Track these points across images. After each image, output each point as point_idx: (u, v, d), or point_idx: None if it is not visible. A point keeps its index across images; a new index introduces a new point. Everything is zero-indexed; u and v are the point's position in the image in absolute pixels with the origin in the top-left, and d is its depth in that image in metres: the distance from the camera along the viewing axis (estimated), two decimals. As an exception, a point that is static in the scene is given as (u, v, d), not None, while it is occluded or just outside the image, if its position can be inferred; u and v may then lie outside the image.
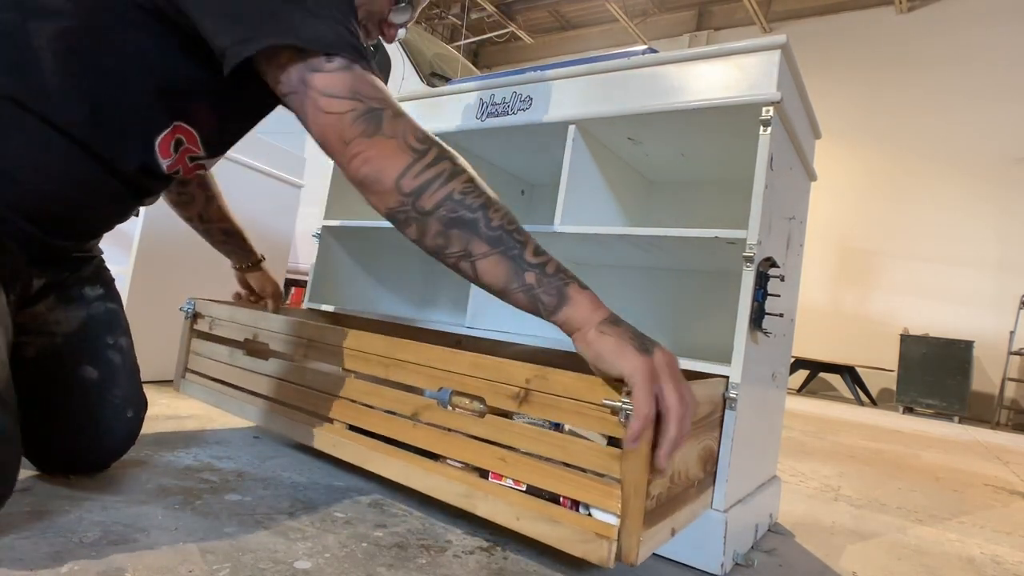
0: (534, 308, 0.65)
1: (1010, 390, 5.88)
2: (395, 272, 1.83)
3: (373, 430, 0.87)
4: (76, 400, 0.86)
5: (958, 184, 6.60)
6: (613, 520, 0.62)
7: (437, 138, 0.69)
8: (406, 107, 1.51)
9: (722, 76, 1.03)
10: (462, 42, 9.96)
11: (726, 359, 0.93)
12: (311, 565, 0.72)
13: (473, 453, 0.75)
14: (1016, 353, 5.60)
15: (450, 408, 0.79)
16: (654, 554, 0.93)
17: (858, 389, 6.10)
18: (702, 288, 1.42)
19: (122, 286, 2.27)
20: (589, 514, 0.67)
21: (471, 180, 0.67)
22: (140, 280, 1.70)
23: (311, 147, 3.46)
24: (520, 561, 0.83)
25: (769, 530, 1.17)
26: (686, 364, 0.97)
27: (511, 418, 0.74)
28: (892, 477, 1.98)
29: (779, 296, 1.04)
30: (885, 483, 1.85)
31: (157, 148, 0.80)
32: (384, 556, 0.78)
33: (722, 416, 0.89)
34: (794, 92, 1.09)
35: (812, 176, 1.31)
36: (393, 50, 3.22)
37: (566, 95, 1.22)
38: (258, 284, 1.35)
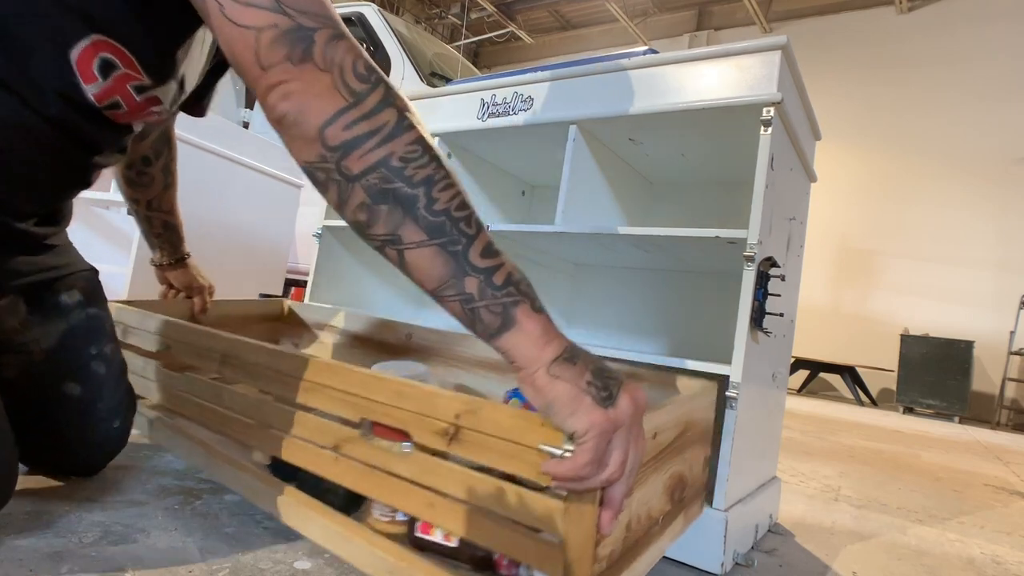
0: (471, 325, 0.51)
1: (1010, 390, 5.88)
2: (395, 272, 1.82)
3: (293, 462, 0.74)
4: (60, 418, 0.82)
5: (958, 184, 6.60)
6: None
7: (384, 75, 0.54)
8: (406, 107, 1.51)
9: (722, 76, 1.03)
10: (462, 42, 9.96)
11: (726, 359, 0.93)
12: (311, 565, 0.72)
13: (400, 495, 0.63)
14: (1016, 353, 5.60)
15: (373, 440, 0.66)
16: (654, 554, 0.93)
17: (858, 389, 6.10)
18: (702, 288, 1.42)
19: (122, 286, 2.27)
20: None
21: (418, 141, 0.51)
22: (140, 280, 1.70)
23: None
24: (520, 561, 0.83)
25: (769, 530, 1.17)
26: (686, 364, 0.97)
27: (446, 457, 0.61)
28: (892, 477, 1.98)
29: (779, 296, 1.04)
30: (885, 483, 1.85)
31: (75, 64, 0.64)
32: (384, 556, 0.77)
33: (707, 431, 0.82)
34: (794, 93, 1.09)
35: (812, 177, 1.31)
36: (393, 50, 3.22)
37: (567, 95, 1.22)
38: (183, 281, 1.22)
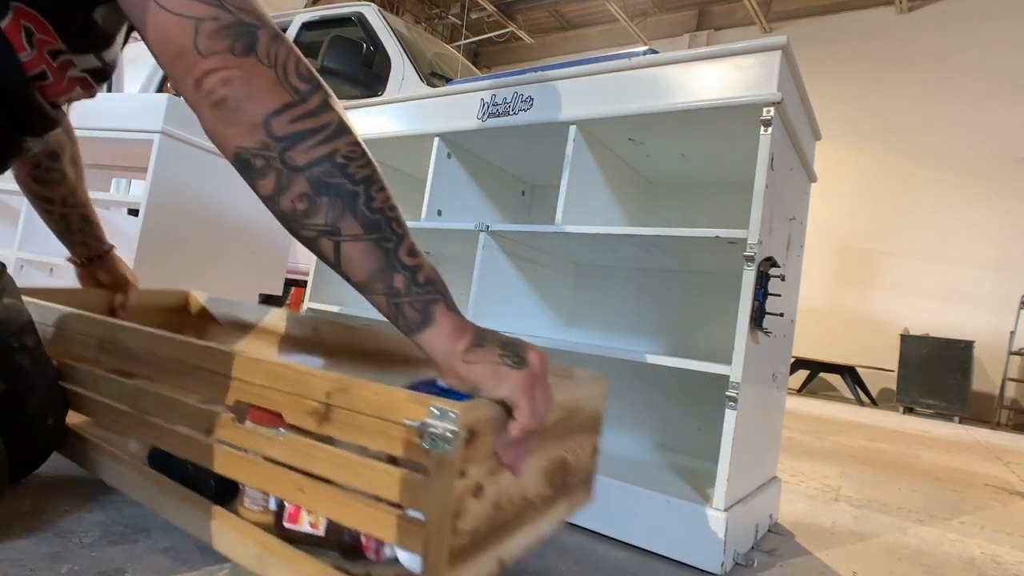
0: (393, 319, 0.55)
1: (1010, 390, 5.88)
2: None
3: (168, 449, 0.72)
4: None
5: (958, 184, 6.60)
6: (417, 566, 0.52)
7: (323, 81, 0.57)
8: (406, 107, 1.51)
9: (723, 77, 1.03)
10: (462, 42, 9.96)
11: (726, 359, 0.93)
12: (311, 565, 0.72)
13: (271, 480, 0.63)
14: (1016, 353, 5.60)
15: (247, 425, 0.65)
16: (653, 553, 0.93)
17: (858, 389, 6.11)
18: (702, 288, 1.42)
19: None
20: (396, 558, 0.60)
21: (358, 143, 0.55)
22: (140, 279, 1.70)
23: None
24: (520, 562, 0.83)
25: (769, 530, 1.17)
26: (686, 364, 0.97)
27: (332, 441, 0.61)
28: (892, 477, 1.98)
29: (779, 296, 1.04)
30: (885, 483, 1.85)
31: (8, 36, 0.64)
32: (384, 556, 0.77)
33: (589, 421, 0.82)
34: (794, 93, 1.09)
35: (812, 177, 1.31)
36: (393, 50, 3.22)
37: (567, 96, 1.22)
38: (112, 276, 1.17)
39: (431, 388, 0.61)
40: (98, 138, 1.81)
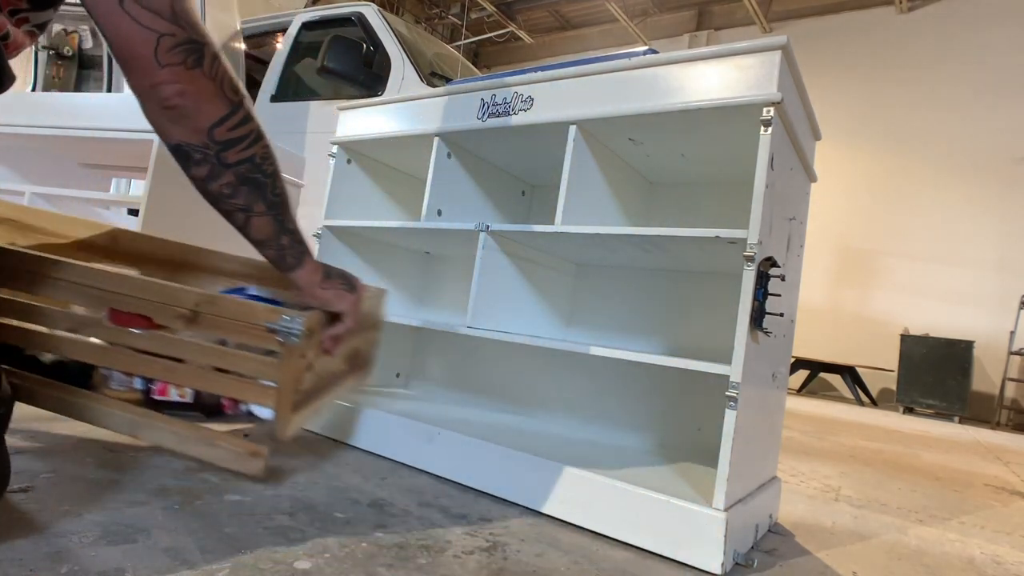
0: (279, 263, 0.79)
1: (1010, 390, 5.88)
2: (395, 272, 1.83)
3: (43, 350, 0.92)
4: None
5: (958, 184, 6.60)
6: (269, 413, 0.82)
7: (244, 90, 0.71)
8: (406, 107, 1.51)
9: (722, 76, 1.03)
10: (462, 42, 9.97)
11: (726, 359, 0.93)
12: (311, 565, 0.72)
13: (144, 366, 0.85)
14: (1016, 353, 5.60)
15: (113, 326, 0.85)
16: (653, 553, 0.93)
17: (858, 389, 6.11)
18: (702, 288, 1.42)
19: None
20: (250, 412, 0.86)
21: (268, 147, 0.73)
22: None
23: (311, 147, 3.46)
24: (520, 562, 0.83)
25: (769, 530, 1.17)
26: (686, 364, 0.97)
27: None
28: (892, 477, 1.98)
29: (779, 296, 1.04)
30: (885, 483, 1.85)
31: None
32: (384, 556, 0.78)
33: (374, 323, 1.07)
34: (794, 93, 1.09)
35: (812, 177, 1.31)
36: (393, 50, 3.22)
37: (567, 96, 1.22)
38: None
39: (241, 292, 0.92)
40: (98, 138, 1.81)
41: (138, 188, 3.72)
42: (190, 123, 0.65)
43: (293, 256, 0.79)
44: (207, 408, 1.00)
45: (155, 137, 1.71)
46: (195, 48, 0.63)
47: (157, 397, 0.85)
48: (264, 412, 0.81)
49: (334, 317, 0.83)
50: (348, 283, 0.84)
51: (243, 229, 0.75)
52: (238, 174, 0.69)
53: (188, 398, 0.87)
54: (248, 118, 0.68)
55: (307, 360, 0.80)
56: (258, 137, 0.70)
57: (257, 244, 0.77)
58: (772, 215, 1.01)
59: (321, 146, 3.24)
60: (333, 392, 0.95)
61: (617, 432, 1.47)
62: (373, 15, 3.42)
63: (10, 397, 0.82)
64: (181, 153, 0.68)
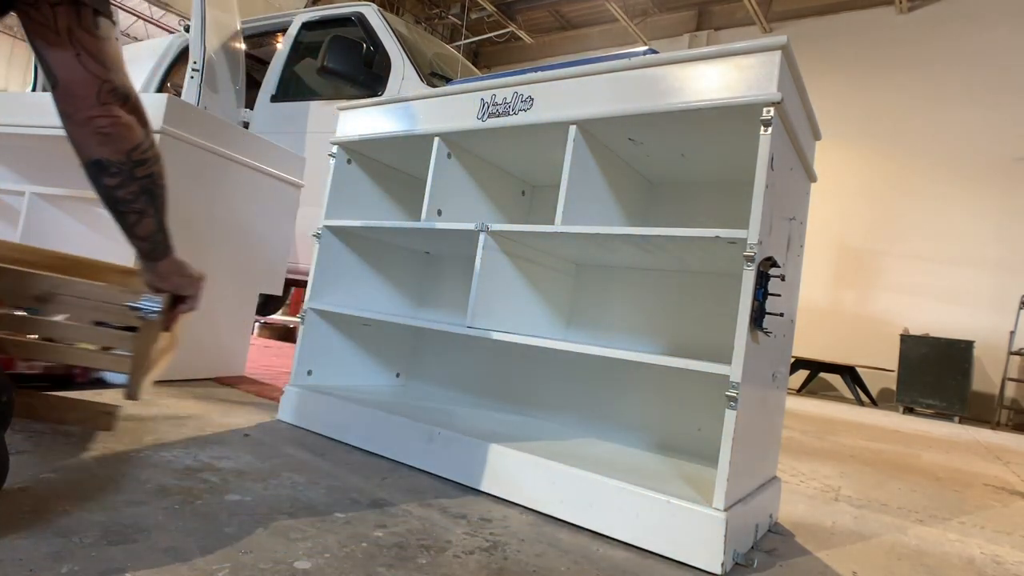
0: (150, 254, 0.93)
1: (1010, 390, 5.88)
2: (395, 272, 1.83)
3: None
4: None
5: (958, 184, 6.60)
6: (123, 379, 0.93)
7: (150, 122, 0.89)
8: (406, 107, 1.51)
9: (722, 77, 1.03)
10: (462, 42, 9.97)
11: (726, 359, 0.93)
12: (311, 565, 0.72)
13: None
14: (1016, 353, 5.60)
15: None
16: (653, 553, 0.93)
17: (858, 389, 6.11)
18: (702, 288, 1.42)
19: (122, 286, 2.26)
20: (100, 379, 0.96)
21: (162, 166, 0.91)
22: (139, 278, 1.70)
23: (311, 147, 3.45)
24: (520, 562, 0.83)
25: (769, 530, 1.17)
26: (686, 364, 0.97)
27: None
28: (892, 477, 1.98)
29: (779, 296, 1.04)
30: (885, 483, 1.85)
31: None
32: (384, 556, 0.78)
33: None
34: (794, 93, 1.09)
35: (812, 177, 1.31)
36: (393, 50, 3.22)
37: (567, 95, 1.22)
38: None
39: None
40: (98, 138, 1.80)
41: (138, 188, 3.72)
42: (115, 146, 0.82)
43: (162, 250, 0.94)
44: (55, 378, 1.13)
45: (155, 137, 1.71)
46: (127, 92, 0.82)
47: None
48: (119, 378, 0.88)
49: (178, 300, 0.99)
50: (188, 273, 0.99)
51: (132, 227, 0.90)
52: (143, 185, 0.87)
53: (37, 369, 0.96)
54: (152, 144, 0.88)
55: (158, 334, 0.96)
56: (157, 158, 0.89)
57: (138, 239, 0.91)
58: (772, 215, 1.01)
59: (321, 146, 3.24)
60: (162, 362, 1.09)
61: (617, 432, 1.47)
62: (373, 15, 3.42)
63: (9, 386, 0.92)
64: (99, 166, 0.83)
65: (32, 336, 0.98)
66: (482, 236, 1.27)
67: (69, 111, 0.79)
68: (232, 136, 1.92)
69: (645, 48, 1.21)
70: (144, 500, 0.84)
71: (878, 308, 6.83)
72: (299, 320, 1.59)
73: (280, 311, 6.76)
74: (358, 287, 1.71)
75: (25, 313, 0.99)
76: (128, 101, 0.83)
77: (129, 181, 0.85)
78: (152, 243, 0.93)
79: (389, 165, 1.78)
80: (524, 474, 1.10)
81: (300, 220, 3.22)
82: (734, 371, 0.92)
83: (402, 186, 1.84)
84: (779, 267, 1.03)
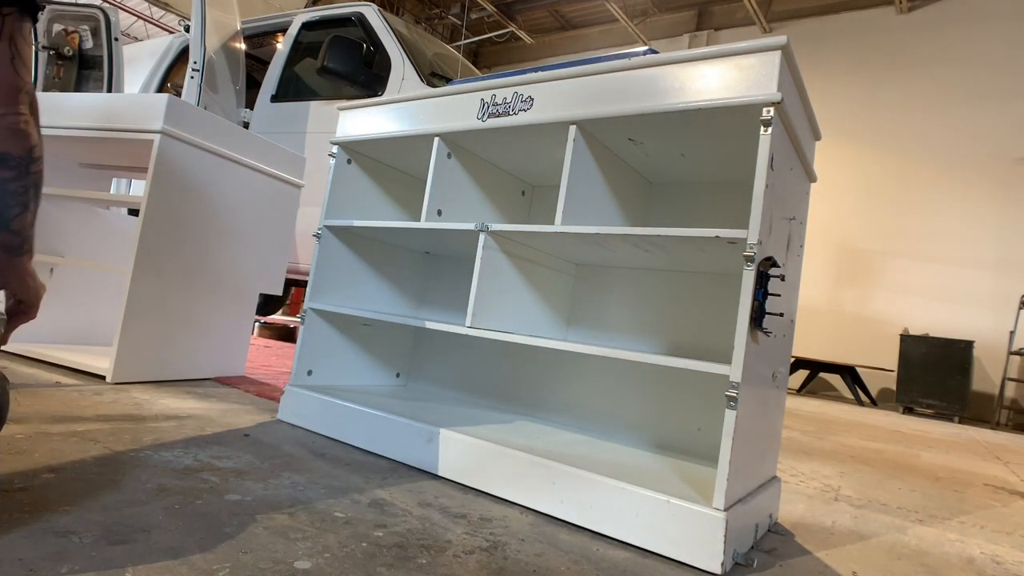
0: (16, 249, 0.94)
1: (1010, 390, 5.88)
2: (395, 272, 1.83)
3: None
4: None
5: (958, 184, 6.60)
6: None
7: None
8: (406, 107, 1.51)
9: (722, 77, 1.03)
10: (462, 42, 9.97)
11: (726, 359, 0.93)
12: (311, 565, 0.72)
13: None
14: (1016, 353, 5.60)
15: None
16: (653, 553, 0.93)
17: (858, 389, 6.11)
18: (702, 288, 1.42)
19: (122, 287, 2.26)
20: None
21: (43, 165, 0.95)
22: (140, 280, 1.70)
23: (311, 147, 3.45)
24: (520, 562, 0.83)
25: (769, 530, 1.17)
26: (686, 364, 0.97)
27: None
28: (892, 477, 1.98)
29: (779, 296, 1.04)
30: (885, 483, 1.85)
31: None
32: (384, 556, 0.78)
33: None
34: (794, 93, 1.09)
35: (812, 177, 1.31)
36: (393, 50, 3.22)
37: (567, 96, 1.22)
38: None
39: None
40: (98, 138, 1.81)
41: (138, 188, 3.72)
42: (22, 143, 0.88)
43: (27, 246, 0.97)
44: None
45: (155, 137, 1.71)
46: (33, 95, 0.90)
47: None
48: None
49: (16, 306, 1.00)
50: (39, 282, 1.00)
51: (12, 219, 0.93)
52: (32, 180, 0.92)
53: None
54: (41, 143, 0.93)
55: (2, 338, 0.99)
56: (42, 158, 0.94)
57: (11, 232, 0.94)
58: (772, 215, 1.01)
59: (321, 146, 3.24)
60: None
61: (617, 432, 1.47)
62: (373, 15, 3.42)
63: (4, 383, 0.93)
64: (2, 159, 0.88)
65: None
66: (482, 236, 1.27)
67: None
68: (232, 136, 1.92)
69: (645, 48, 1.21)
70: (144, 500, 0.84)
71: (878, 308, 6.83)
72: (299, 320, 1.59)
73: (280, 311, 6.76)
74: (358, 287, 1.71)
75: None
76: (34, 104, 0.91)
77: (24, 175, 0.91)
78: (22, 238, 0.96)
79: (389, 165, 1.78)
80: (524, 474, 1.10)
81: (300, 220, 3.23)
82: (734, 371, 0.92)
83: (402, 186, 1.84)
84: (779, 267, 1.03)
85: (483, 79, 1.40)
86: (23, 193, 0.92)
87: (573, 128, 1.20)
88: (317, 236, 1.60)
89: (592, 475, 1.03)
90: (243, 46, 3.49)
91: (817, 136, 1.30)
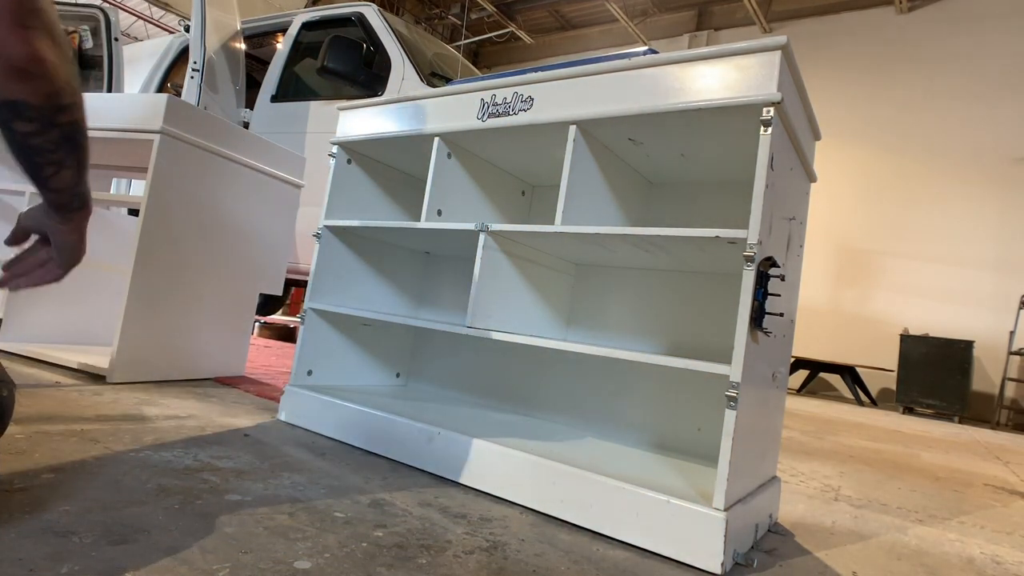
0: (65, 207, 0.84)
1: (1010, 390, 5.88)
2: (395, 272, 1.83)
3: None
4: None
5: (958, 184, 6.60)
6: None
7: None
8: (406, 107, 1.52)
9: (723, 77, 1.03)
10: (462, 42, 9.97)
11: (726, 359, 0.93)
12: (311, 565, 0.72)
13: None
14: (1016, 353, 5.60)
15: None
16: (653, 553, 0.93)
17: (858, 389, 6.11)
18: (702, 288, 1.42)
19: (122, 287, 2.26)
20: None
21: (85, 113, 0.79)
22: (140, 280, 1.70)
23: (311, 147, 3.45)
24: (520, 562, 0.83)
25: (769, 530, 1.17)
26: (686, 364, 0.97)
27: None
28: (892, 477, 1.98)
29: (779, 296, 1.04)
30: (885, 483, 1.85)
31: None
32: (384, 556, 0.78)
33: None
34: (794, 93, 1.09)
35: (812, 177, 1.31)
36: (393, 50, 3.22)
37: (567, 95, 1.22)
38: None
39: None
40: (98, 138, 1.80)
41: (138, 188, 3.72)
42: (34, 85, 0.68)
43: (79, 201, 0.85)
44: None
45: (155, 137, 1.71)
46: (49, 18, 0.69)
47: None
48: None
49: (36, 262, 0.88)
50: (84, 245, 0.90)
51: (48, 179, 0.80)
52: (63, 133, 0.75)
53: None
54: (78, 86, 0.75)
55: None
56: (83, 103, 0.77)
57: (53, 191, 0.82)
58: (772, 215, 1.01)
59: (321, 146, 3.24)
60: None
61: (617, 432, 1.47)
62: (373, 15, 3.42)
63: (9, 381, 0.88)
64: (12, 108, 0.70)
65: None
66: (482, 236, 1.27)
67: None
68: (232, 136, 1.92)
69: (645, 48, 1.21)
70: (144, 500, 0.84)
71: (878, 308, 6.83)
72: (299, 320, 1.59)
73: (280, 311, 6.76)
74: (358, 287, 1.71)
75: None
76: (54, 30, 0.68)
77: (48, 128, 0.73)
78: (70, 195, 0.83)
79: (389, 165, 1.78)
80: (524, 474, 1.10)
81: (300, 220, 3.23)
82: (734, 371, 0.92)
83: (402, 186, 1.84)
84: (779, 267, 1.03)
85: (483, 79, 1.40)
86: (53, 150, 0.76)
87: (573, 128, 1.20)
88: (317, 236, 1.60)
89: (592, 475, 1.03)
90: (243, 46, 3.49)
91: (817, 136, 1.30)
